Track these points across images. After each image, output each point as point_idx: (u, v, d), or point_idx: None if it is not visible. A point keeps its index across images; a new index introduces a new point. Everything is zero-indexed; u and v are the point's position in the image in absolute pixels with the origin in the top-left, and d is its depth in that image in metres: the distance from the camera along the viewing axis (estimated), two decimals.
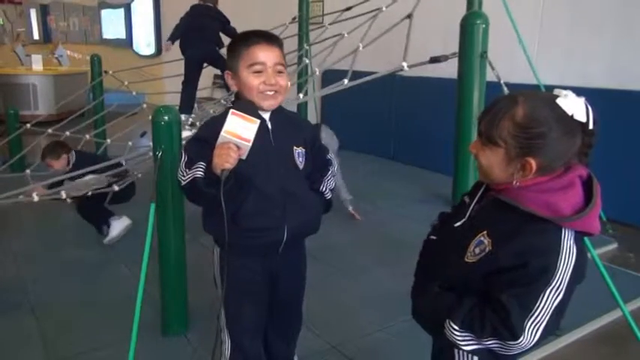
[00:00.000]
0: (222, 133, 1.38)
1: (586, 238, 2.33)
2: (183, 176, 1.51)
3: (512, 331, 1.07)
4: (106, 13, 12.48)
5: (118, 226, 3.56)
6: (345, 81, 3.12)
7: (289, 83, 1.60)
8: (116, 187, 3.13)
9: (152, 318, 2.53)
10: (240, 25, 5.55)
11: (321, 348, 2.41)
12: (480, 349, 1.15)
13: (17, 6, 15.42)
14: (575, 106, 1.07)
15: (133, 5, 11.37)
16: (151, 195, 2.27)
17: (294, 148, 1.61)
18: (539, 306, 1.06)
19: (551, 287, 1.06)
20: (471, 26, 2.54)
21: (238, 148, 1.38)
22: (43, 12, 14.92)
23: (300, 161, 1.62)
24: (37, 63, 8.95)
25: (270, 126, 1.58)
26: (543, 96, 1.12)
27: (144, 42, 11.30)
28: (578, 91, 1.10)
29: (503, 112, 1.10)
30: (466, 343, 1.14)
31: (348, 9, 4.85)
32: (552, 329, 1.10)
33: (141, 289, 2.07)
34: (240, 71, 1.54)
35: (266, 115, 1.58)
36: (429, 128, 5.49)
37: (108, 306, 2.77)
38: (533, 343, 1.09)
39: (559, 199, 1.08)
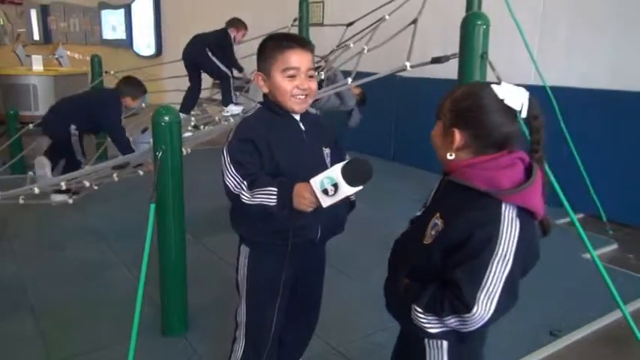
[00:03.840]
0: (319, 184, 1.37)
1: (587, 240, 2.35)
2: (242, 190, 1.51)
3: (465, 303, 1.12)
4: (106, 14, 12.48)
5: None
6: (349, 80, 3.16)
7: None
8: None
9: (152, 318, 2.53)
10: None
11: (322, 349, 2.41)
12: (446, 331, 1.20)
13: (17, 6, 15.41)
14: (507, 93, 1.18)
15: (133, 6, 11.38)
16: (151, 195, 2.27)
17: (324, 148, 1.67)
18: (488, 277, 1.12)
19: (497, 258, 1.12)
20: (472, 27, 2.53)
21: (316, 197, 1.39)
22: (44, 13, 14.90)
23: (328, 161, 1.66)
24: (37, 63, 8.93)
25: (302, 127, 1.64)
26: (483, 83, 1.26)
27: (144, 43, 11.30)
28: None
29: (447, 93, 1.27)
30: (431, 325, 1.20)
31: (351, 24, 4.87)
32: (507, 304, 1.15)
33: (141, 289, 2.07)
34: (274, 75, 1.58)
35: (297, 116, 1.64)
36: (430, 129, 5.43)
37: (108, 306, 2.77)
38: (489, 315, 1.12)
39: (499, 175, 1.17)
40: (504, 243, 1.12)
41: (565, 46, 4.59)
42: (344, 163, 1.38)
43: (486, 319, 1.13)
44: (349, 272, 3.13)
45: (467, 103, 1.21)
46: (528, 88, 1.20)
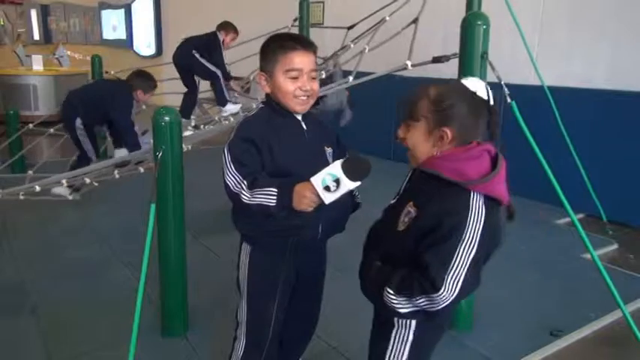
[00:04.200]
0: (320, 181, 1.38)
1: (587, 240, 2.35)
2: (242, 190, 1.51)
3: (433, 283, 1.21)
4: (106, 14, 12.49)
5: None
6: (350, 78, 3.18)
7: None
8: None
9: (152, 318, 2.53)
10: (240, 26, 5.55)
11: (321, 349, 2.41)
12: (415, 311, 1.29)
13: (18, 6, 15.40)
14: (476, 86, 1.30)
15: (133, 6, 11.38)
16: (151, 195, 2.27)
17: (325, 148, 1.68)
18: (455, 260, 1.21)
19: (464, 243, 1.21)
20: (472, 27, 2.52)
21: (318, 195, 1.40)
22: (44, 12, 14.90)
23: (330, 161, 1.66)
24: (37, 63, 8.93)
25: (304, 126, 1.65)
26: (452, 80, 1.36)
27: (144, 43, 11.31)
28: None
29: (420, 95, 1.33)
30: (401, 306, 1.29)
31: (352, 27, 4.86)
32: (471, 286, 1.25)
33: (141, 289, 2.07)
34: (277, 75, 1.59)
35: (299, 116, 1.65)
36: None
37: (108, 306, 2.77)
38: (454, 295, 1.22)
39: (467, 166, 1.26)
40: (471, 229, 1.21)
41: (565, 47, 4.59)
42: (343, 159, 1.40)
43: (452, 298, 1.22)
44: (349, 271, 3.12)
45: (450, 101, 1.29)
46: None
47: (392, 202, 1.43)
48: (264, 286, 1.70)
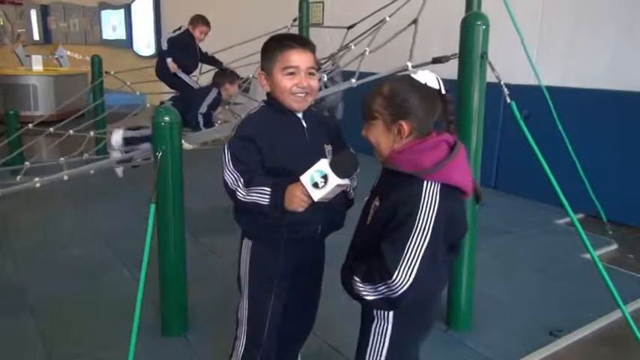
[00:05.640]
0: (308, 179, 1.39)
1: (587, 240, 2.35)
2: (239, 187, 1.54)
3: (387, 269, 1.25)
4: (106, 14, 12.49)
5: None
6: (353, 80, 3.19)
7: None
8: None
9: (152, 318, 2.53)
10: (240, 26, 5.55)
11: (321, 348, 2.41)
12: (380, 299, 1.30)
13: (17, 6, 15.42)
14: (426, 77, 1.35)
15: (133, 6, 11.39)
16: (151, 195, 2.27)
17: (325, 145, 1.69)
18: (409, 247, 1.24)
19: (417, 229, 1.25)
20: (471, 27, 2.52)
21: (309, 195, 1.42)
22: (44, 13, 14.91)
23: (329, 158, 1.65)
24: (37, 64, 8.94)
25: (304, 124, 1.66)
26: (402, 76, 1.40)
27: (144, 43, 11.31)
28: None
29: (374, 94, 1.38)
30: (367, 293, 1.32)
31: (352, 27, 4.86)
32: (429, 273, 1.26)
33: (141, 289, 2.07)
34: (275, 74, 1.62)
35: (299, 115, 1.66)
36: None
37: (108, 306, 2.77)
38: (409, 281, 1.24)
39: (422, 157, 1.30)
40: (423, 217, 1.25)
41: (564, 47, 4.59)
42: (331, 156, 1.43)
43: (407, 284, 1.24)
44: None
45: (402, 96, 1.33)
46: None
47: (365, 200, 1.48)
48: (264, 281, 1.70)
